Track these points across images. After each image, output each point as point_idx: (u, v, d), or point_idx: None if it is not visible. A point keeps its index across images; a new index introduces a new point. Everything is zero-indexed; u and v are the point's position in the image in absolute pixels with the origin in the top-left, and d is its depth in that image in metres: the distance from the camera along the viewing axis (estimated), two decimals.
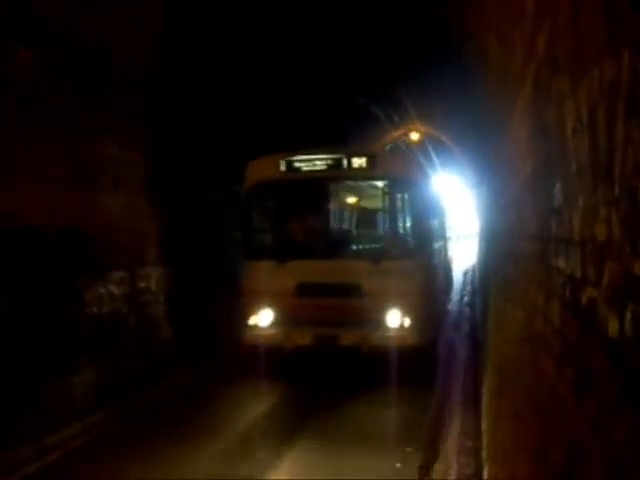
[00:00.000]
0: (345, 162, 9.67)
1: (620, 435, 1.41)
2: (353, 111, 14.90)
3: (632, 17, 1.37)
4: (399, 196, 10.22)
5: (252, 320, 9.93)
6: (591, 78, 1.74)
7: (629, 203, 1.39)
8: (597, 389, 1.66)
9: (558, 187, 2.33)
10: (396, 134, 18.97)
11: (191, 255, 11.46)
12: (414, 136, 18.37)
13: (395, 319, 9.25)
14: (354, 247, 10.85)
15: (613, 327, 1.48)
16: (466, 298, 19.33)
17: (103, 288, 8.98)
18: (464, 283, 22.83)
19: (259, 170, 10.02)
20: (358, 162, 9.63)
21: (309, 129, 13.87)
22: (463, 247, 31.90)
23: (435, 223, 12.87)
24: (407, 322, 9.23)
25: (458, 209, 30.01)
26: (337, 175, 9.98)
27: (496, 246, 7.66)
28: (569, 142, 2.10)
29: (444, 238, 17.11)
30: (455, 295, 19.26)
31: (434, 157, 19.85)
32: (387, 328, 9.26)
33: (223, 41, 10.81)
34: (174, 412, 8.66)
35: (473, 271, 23.09)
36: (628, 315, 1.37)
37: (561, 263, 2.27)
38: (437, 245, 13.19)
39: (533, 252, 3.24)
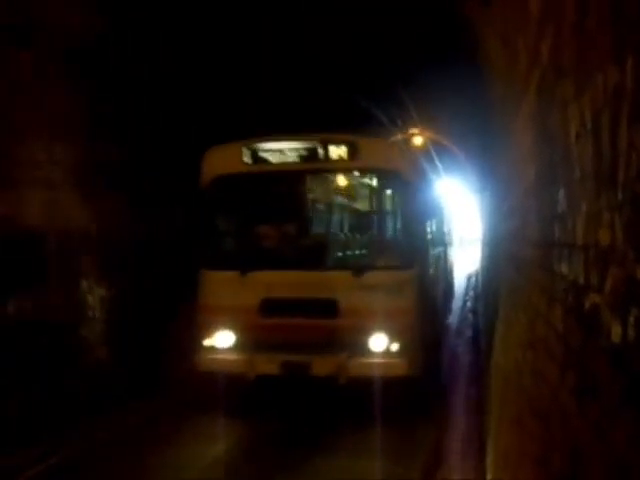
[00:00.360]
0: (321, 151, 8.08)
1: (622, 439, 1.42)
2: (354, 114, 14.89)
3: (638, 23, 1.37)
4: (388, 194, 9.04)
5: (207, 341, 8.27)
6: (595, 84, 1.74)
7: (632, 209, 1.39)
8: (599, 393, 1.66)
9: (561, 192, 2.33)
10: (399, 138, 18.96)
11: (153, 262, 9.98)
12: (417, 140, 18.35)
13: (380, 343, 7.71)
14: (332, 255, 8.85)
15: (616, 332, 1.48)
16: (469, 304, 19.30)
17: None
18: (467, 288, 22.79)
19: (218, 161, 8.52)
20: (336, 151, 8.05)
21: (309, 131, 13.90)
22: (466, 252, 31.88)
23: (433, 227, 11.57)
24: (395, 347, 7.69)
25: (462, 214, 30.00)
26: (312, 168, 8.36)
27: (499, 251, 7.65)
28: (573, 147, 2.10)
29: (444, 244, 15.61)
30: (457, 301, 19.21)
31: (437, 161, 19.84)
32: (370, 354, 7.70)
33: (223, 42, 10.79)
34: (97, 469, 6.63)
35: (476, 276, 23.06)
36: (631, 320, 1.37)
37: (564, 268, 2.27)
38: (435, 252, 11.77)
39: (536, 257, 3.24)
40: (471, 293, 21.20)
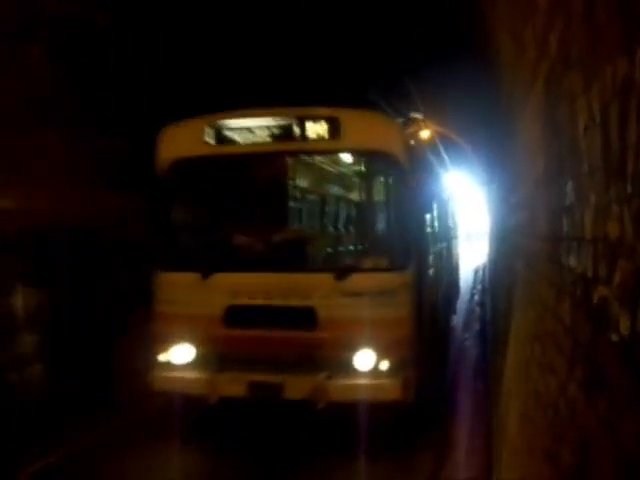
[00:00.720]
0: (297, 129, 6.76)
1: (631, 433, 1.41)
2: (361, 107, 14.82)
3: None
4: (379, 180, 7.52)
5: (163, 357, 6.98)
6: (604, 76, 1.73)
7: None
8: (608, 387, 1.66)
9: (570, 185, 2.32)
10: (406, 132, 18.92)
11: (105, 262, 8.70)
12: (424, 134, 18.32)
13: (367, 361, 6.44)
14: (310, 254, 7.42)
15: (624, 325, 1.48)
16: (476, 297, 19.29)
17: None
18: (474, 282, 22.78)
19: (176, 143, 7.15)
20: (315, 129, 6.72)
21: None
22: (474, 245, 31.87)
23: (435, 219, 10.24)
24: (385, 366, 6.41)
25: (469, 207, 29.98)
26: (286, 149, 7.01)
27: (507, 244, 7.64)
28: (581, 140, 2.09)
29: (448, 238, 13.96)
30: (464, 295, 19.16)
31: (444, 155, 19.82)
32: (355, 374, 6.43)
33: (224, 36, 10.75)
34: None
35: (484, 269, 23.04)
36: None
37: (572, 262, 2.26)
38: (437, 248, 10.44)
39: (544, 250, 3.24)
40: (479, 286, 21.18)
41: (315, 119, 6.73)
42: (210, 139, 6.96)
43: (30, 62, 7.41)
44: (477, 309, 17.11)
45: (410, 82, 12.90)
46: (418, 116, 15.81)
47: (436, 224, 10.52)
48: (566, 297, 2.41)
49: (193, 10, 9.64)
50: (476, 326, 14.40)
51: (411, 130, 16.91)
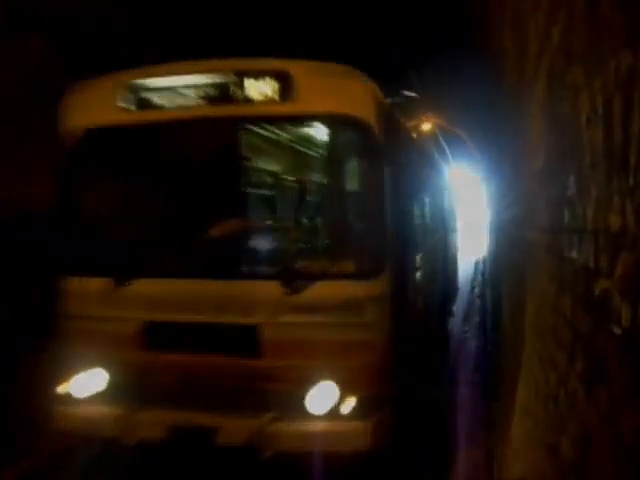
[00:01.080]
0: (237, 90, 5.06)
1: (631, 426, 1.41)
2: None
3: None
4: (345, 158, 5.54)
5: (63, 387, 5.34)
6: (607, 68, 1.73)
7: None
8: (609, 381, 1.66)
9: (571, 178, 2.32)
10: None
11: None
12: (425, 126, 18.31)
13: (325, 399, 4.78)
14: (253, 256, 5.43)
15: (626, 317, 1.48)
16: (477, 289, 19.32)
17: None
18: (475, 274, 22.81)
19: (83, 109, 5.45)
20: (261, 88, 5.02)
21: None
22: (474, 238, 31.89)
23: (425, 210, 8.42)
24: (350, 405, 4.78)
25: (470, 199, 29.99)
26: (224, 115, 5.15)
27: (507, 236, 7.64)
28: (583, 132, 2.09)
29: (445, 230, 12.18)
30: (465, 288, 19.17)
31: (446, 148, 19.81)
32: (310, 416, 4.79)
33: (226, 32, 10.74)
34: None
35: (484, 262, 23.08)
36: None
37: (573, 254, 2.26)
38: (429, 243, 8.72)
39: (544, 243, 3.23)
40: (479, 278, 21.22)
41: (260, 76, 5.05)
42: (126, 103, 5.31)
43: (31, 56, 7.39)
44: (477, 301, 17.15)
45: (411, 76, 12.85)
46: (413, 95, 15.47)
47: (428, 216, 8.87)
48: (567, 290, 2.41)
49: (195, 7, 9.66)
50: (476, 319, 14.44)
51: (412, 123, 16.80)
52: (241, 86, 5.07)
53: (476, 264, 24.88)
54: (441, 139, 19.17)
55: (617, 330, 1.56)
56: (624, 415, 1.48)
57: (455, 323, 13.75)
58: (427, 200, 8.72)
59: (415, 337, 6.40)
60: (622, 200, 1.55)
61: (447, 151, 20.18)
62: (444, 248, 11.79)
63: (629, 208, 1.48)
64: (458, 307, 15.40)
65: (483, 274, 21.29)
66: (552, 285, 2.86)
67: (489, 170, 15.27)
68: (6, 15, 7.06)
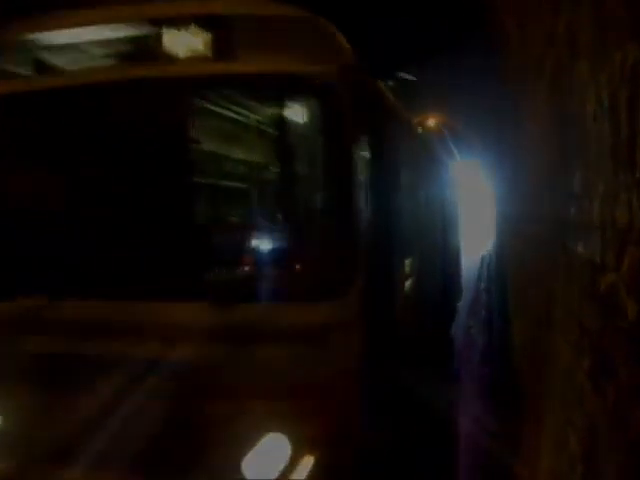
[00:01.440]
0: (158, 44, 3.62)
1: (638, 420, 1.41)
2: None
3: None
4: (304, 132, 3.85)
5: None
6: (613, 62, 1.72)
7: None
8: (615, 374, 1.66)
9: (578, 173, 2.32)
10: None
11: None
12: (430, 122, 18.27)
13: (271, 463, 3.22)
14: (174, 266, 3.65)
15: (632, 310, 1.48)
16: (483, 284, 19.27)
17: None
18: (481, 269, 22.79)
19: None
20: (190, 42, 3.63)
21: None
22: (480, 233, 31.85)
23: (419, 204, 6.78)
24: (303, 472, 3.20)
25: (476, 194, 29.96)
26: (141, 77, 3.62)
27: (513, 231, 7.62)
28: (589, 127, 2.08)
29: (446, 228, 10.30)
30: (470, 283, 19.07)
31: (451, 144, 19.78)
32: None
33: None
34: None
35: (490, 256, 23.07)
36: None
37: (580, 248, 2.26)
38: (425, 243, 7.06)
39: (551, 238, 3.23)
40: (485, 273, 21.19)
41: (184, 24, 3.61)
42: (17, 65, 3.88)
43: None
44: (484, 295, 17.09)
45: (418, 72, 12.77)
46: (410, 78, 14.81)
47: (427, 214, 7.54)
48: (574, 284, 2.41)
49: None
50: (482, 313, 14.37)
51: (417, 119, 16.69)
52: (164, 40, 3.64)
53: (482, 258, 24.88)
54: (446, 134, 19.11)
55: (623, 324, 1.56)
56: (632, 408, 1.48)
57: (460, 318, 13.67)
58: (426, 198, 7.46)
59: (403, 365, 4.76)
60: (629, 195, 1.54)
61: (452, 147, 20.12)
62: (446, 246, 10.17)
63: (635, 203, 1.48)
64: (462, 304, 15.29)
65: (489, 267, 21.29)
66: (559, 279, 2.86)
67: (496, 165, 15.24)
68: None
